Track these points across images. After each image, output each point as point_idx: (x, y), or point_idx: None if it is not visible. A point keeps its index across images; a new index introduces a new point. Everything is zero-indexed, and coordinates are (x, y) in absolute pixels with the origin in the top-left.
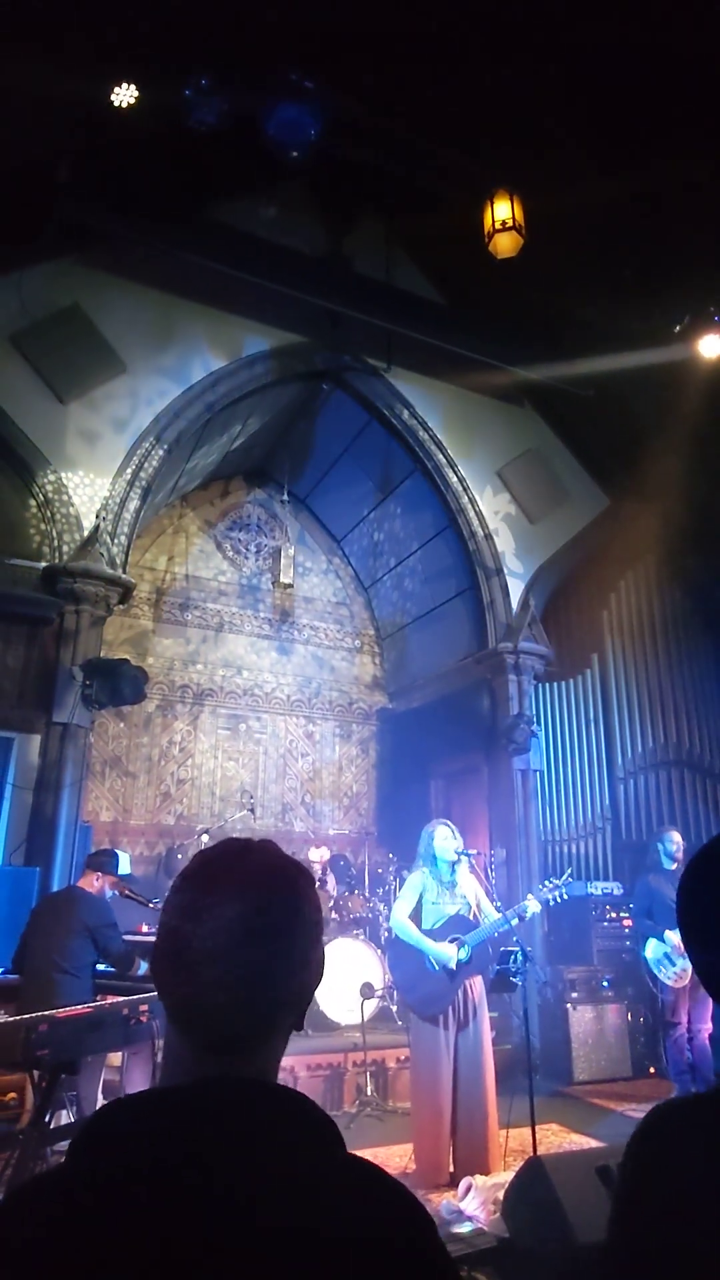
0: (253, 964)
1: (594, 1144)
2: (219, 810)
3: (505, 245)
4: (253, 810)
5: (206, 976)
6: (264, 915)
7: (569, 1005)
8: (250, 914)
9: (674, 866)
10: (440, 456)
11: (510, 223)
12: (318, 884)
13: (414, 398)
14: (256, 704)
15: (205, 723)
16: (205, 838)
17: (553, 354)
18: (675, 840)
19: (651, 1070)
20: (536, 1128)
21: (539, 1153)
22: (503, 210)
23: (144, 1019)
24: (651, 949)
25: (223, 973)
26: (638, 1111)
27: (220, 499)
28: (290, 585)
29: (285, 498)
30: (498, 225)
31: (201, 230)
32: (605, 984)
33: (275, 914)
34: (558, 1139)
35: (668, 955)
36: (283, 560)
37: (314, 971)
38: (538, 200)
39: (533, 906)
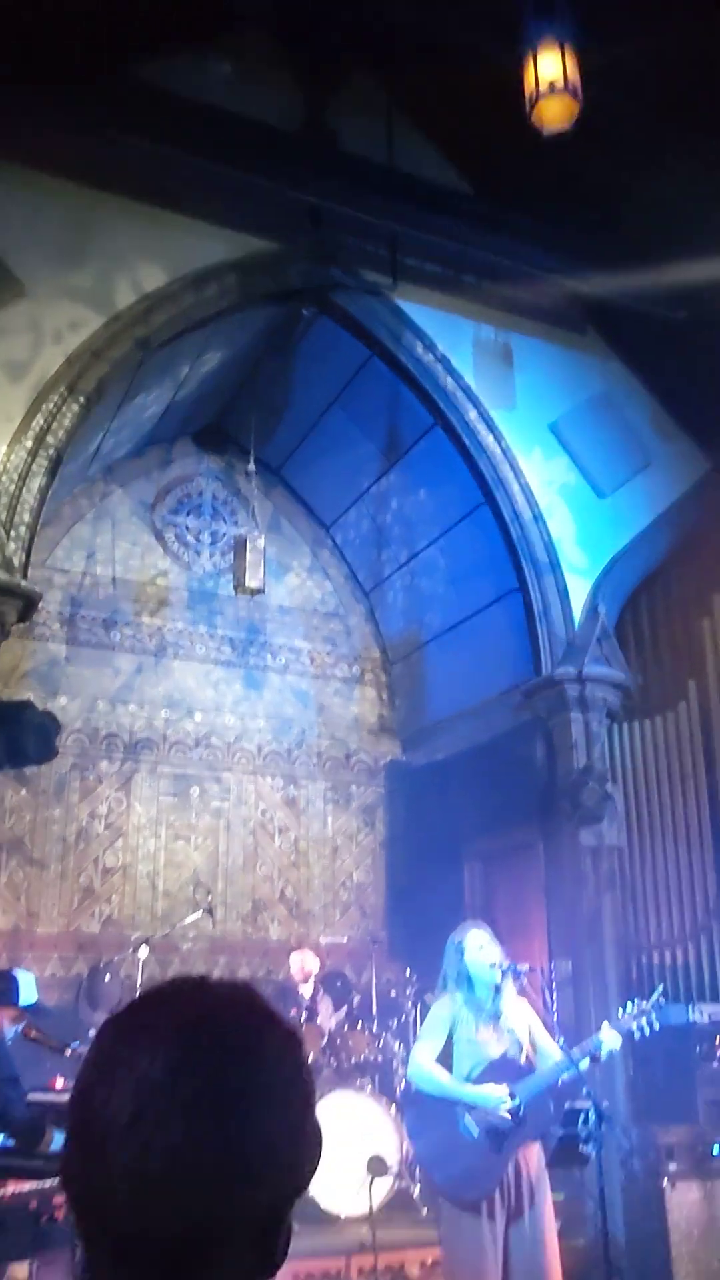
0: (179, 1149)
1: None
2: (163, 912)
3: (554, 113)
4: (211, 911)
5: (115, 1162)
6: (201, 1077)
7: (666, 1182)
8: (182, 1074)
9: None
10: (469, 406)
11: (561, 83)
12: (303, 1015)
13: (430, 325)
14: (215, 759)
15: (142, 787)
16: (144, 951)
17: (626, 259)
18: None
19: None
20: None
21: None
22: (549, 67)
23: (59, 1215)
24: None
25: (135, 1157)
26: None
27: (160, 471)
28: (260, 590)
29: (252, 468)
30: (543, 88)
31: (128, 97)
32: (716, 1152)
33: (221, 1077)
34: None
35: None
36: (249, 555)
37: (290, 1172)
38: (600, 51)
39: (610, 1042)
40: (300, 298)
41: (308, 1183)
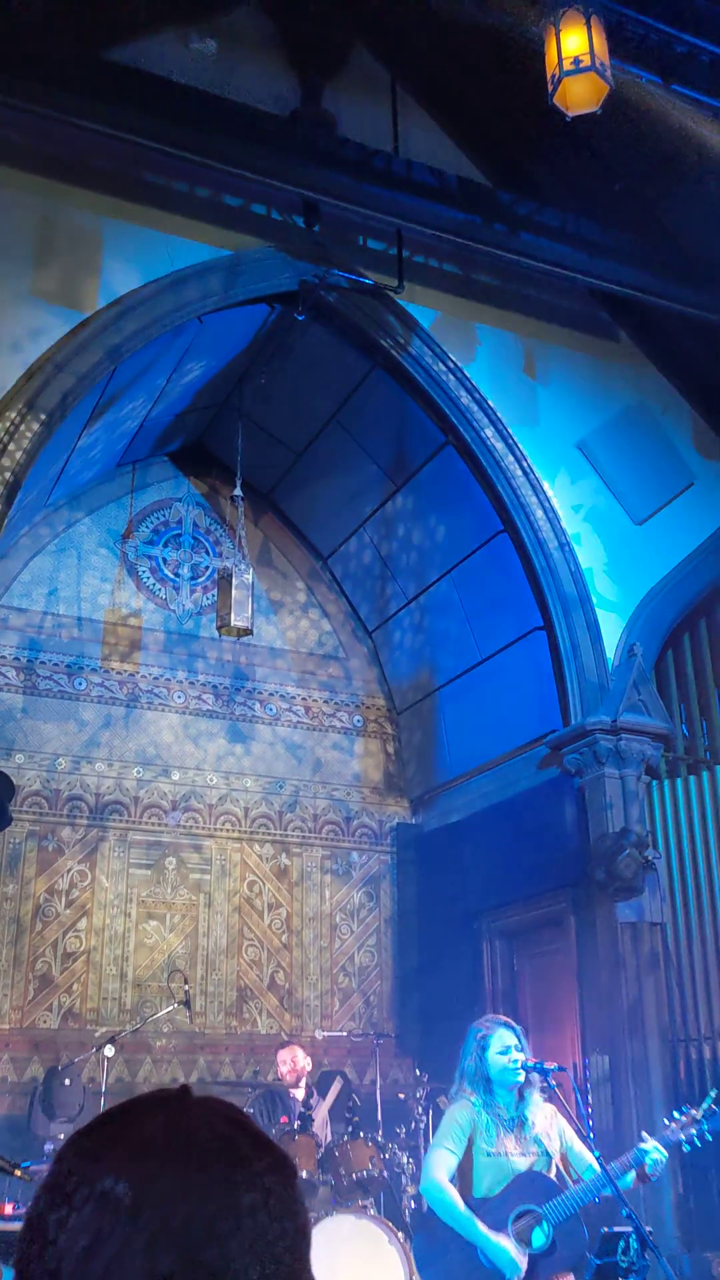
0: (149, 1278)
1: None
2: (133, 1004)
3: (579, 94)
4: (188, 1003)
5: None
6: (172, 1203)
7: None
8: (149, 1197)
9: None
10: (486, 423)
11: (587, 59)
12: (295, 1123)
13: (441, 332)
14: (195, 824)
15: (110, 858)
16: (110, 1050)
17: (663, 256)
18: None
19: None
20: None
21: None
22: (574, 42)
23: None
24: None
25: None
26: None
27: (131, 496)
28: (247, 631)
29: (238, 492)
30: (568, 65)
31: (102, 81)
32: None
33: (195, 1205)
34: None
35: None
36: (234, 592)
37: None
38: (633, 22)
39: (655, 1154)
40: (294, 301)
41: None
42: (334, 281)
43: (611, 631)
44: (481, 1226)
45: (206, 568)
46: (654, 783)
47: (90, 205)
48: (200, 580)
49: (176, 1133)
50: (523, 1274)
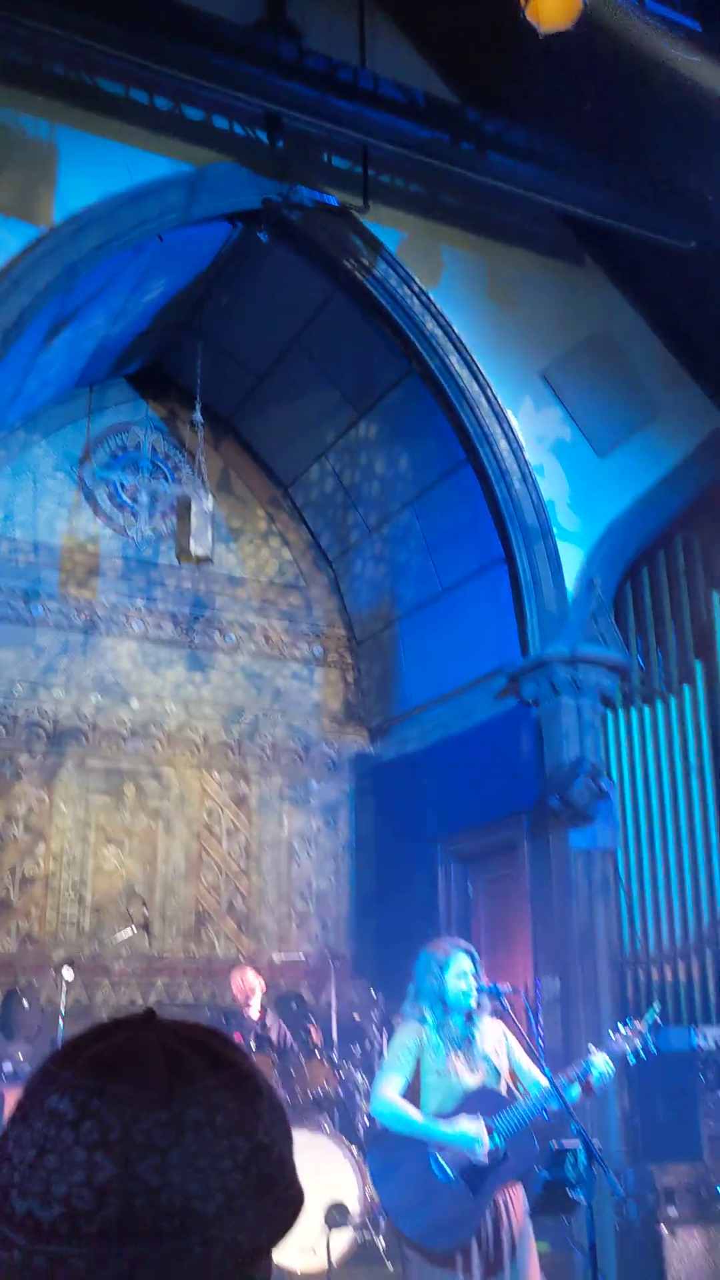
0: (80, 1195)
1: None
2: (91, 928)
3: (553, 10)
4: (147, 927)
5: (14, 1211)
6: (112, 1116)
7: (664, 1228)
8: (89, 1110)
9: None
10: (451, 349)
11: None
12: (253, 1042)
13: (407, 255)
14: (153, 752)
15: (69, 784)
16: (69, 973)
17: (632, 180)
18: None
19: None
20: None
21: None
22: None
23: None
24: None
25: (34, 1204)
26: None
27: (89, 419)
28: (207, 558)
29: (198, 417)
30: None
31: None
32: None
33: (135, 1118)
34: None
35: None
36: (194, 518)
37: (227, 1233)
38: None
39: (601, 1065)
40: (256, 220)
41: (263, 1246)
42: (298, 200)
43: (572, 564)
44: (436, 1123)
45: (165, 494)
46: (609, 713)
47: (45, 113)
48: (159, 506)
49: (126, 1052)
50: (486, 1144)
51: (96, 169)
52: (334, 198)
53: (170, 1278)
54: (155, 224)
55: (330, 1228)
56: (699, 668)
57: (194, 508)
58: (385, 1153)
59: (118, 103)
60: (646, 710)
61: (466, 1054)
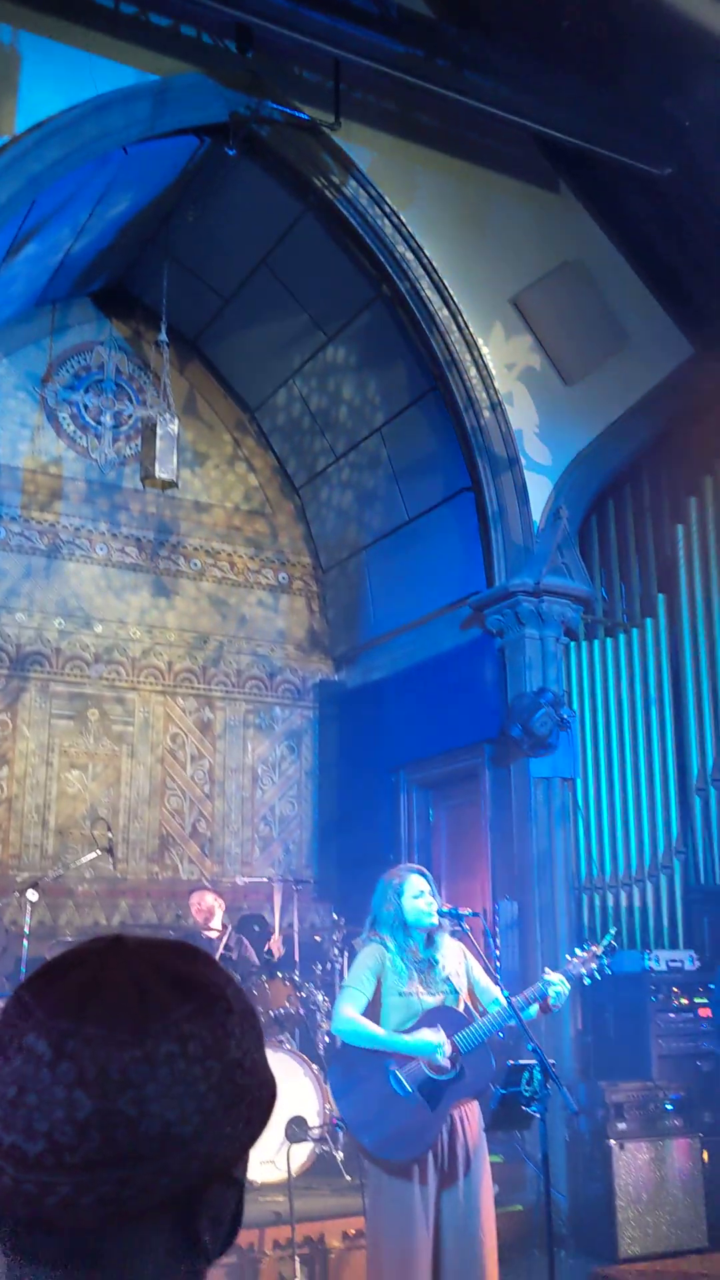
0: (62, 1130)
1: None
2: (55, 850)
3: None
4: (111, 850)
5: (13, 1153)
6: (87, 1053)
7: (613, 1142)
8: (65, 1049)
9: None
10: (422, 272)
11: None
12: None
13: (378, 174)
14: (117, 677)
15: (32, 708)
16: (33, 894)
17: (607, 104)
18: None
19: None
20: None
21: None
22: None
23: None
24: None
25: (18, 1139)
26: None
27: (51, 338)
28: (172, 483)
29: (163, 337)
30: None
31: None
32: (670, 1107)
33: (109, 1052)
34: None
35: None
36: (159, 441)
37: (202, 1154)
38: None
39: (558, 986)
40: (224, 134)
41: (233, 1164)
42: (267, 114)
43: (539, 494)
44: (396, 1035)
45: (129, 416)
46: (572, 644)
47: (8, 17)
48: (123, 429)
49: (95, 988)
50: (448, 1050)
51: (60, 77)
52: (304, 113)
53: (154, 1194)
54: (120, 135)
55: (290, 1142)
56: (661, 601)
57: (159, 431)
58: (345, 1069)
59: (83, 8)
60: (609, 642)
61: (427, 976)
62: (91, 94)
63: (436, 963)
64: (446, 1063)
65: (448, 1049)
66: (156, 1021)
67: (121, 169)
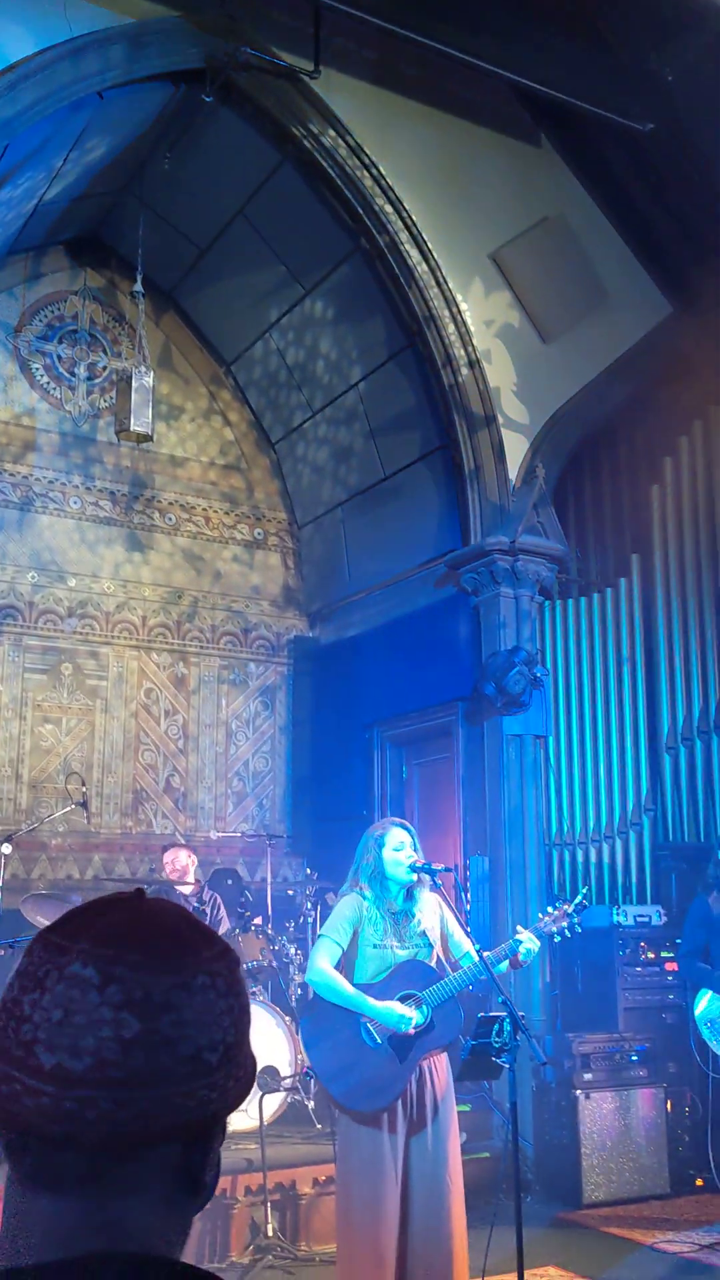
0: (107, 1048)
1: None
2: (28, 805)
3: None
4: (85, 804)
5: (42, 1064)
6: (131, 979)
7: (579, 1092)
8: (112, 975)
9: None
10: (401, 226)
11: None
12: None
13: (358, 124)
14: (91, 631)
15: (4, 662)
16: (6, 848)
17: (590, 58)
18: None
19: (700, 1182)
20: (526, 1274)
21: None
22: None
23: None
24: (705, 1005)
25: (63, 1058)
26: (677, 1245)
27: (24, 286)
28: (147, 436)
29: (138, 288)
30: None
31: None
32: (635, 1058)
33: (152, 981)
34: None
35: None
36: (134, 394)
37: (218, 1088)
38: None
39: (528, 943)
40: (201, 80)
41: (234, 1104)
42: (245, 60)
43: (515, 452)
44: (367, 999)
45: (104, 368)
46: (546, 603)
47: None
48: (97, 381)
49: (135, 925)
50: (412, 1025)
51: (32, 17)
52: (284, 60)
53: (179, 1116)
54: (95, 80)
55: (263, 1091)
56: (635, 562)
57: (134, 383)
58: (317, 1019)
59: None
60: (583, 602)
61: (403, 929)
62: (66, 35)
63: (413, 916)
64: (413, 1030)
65: (413, 1026)
66: (190, 957)
67: (98, 113)
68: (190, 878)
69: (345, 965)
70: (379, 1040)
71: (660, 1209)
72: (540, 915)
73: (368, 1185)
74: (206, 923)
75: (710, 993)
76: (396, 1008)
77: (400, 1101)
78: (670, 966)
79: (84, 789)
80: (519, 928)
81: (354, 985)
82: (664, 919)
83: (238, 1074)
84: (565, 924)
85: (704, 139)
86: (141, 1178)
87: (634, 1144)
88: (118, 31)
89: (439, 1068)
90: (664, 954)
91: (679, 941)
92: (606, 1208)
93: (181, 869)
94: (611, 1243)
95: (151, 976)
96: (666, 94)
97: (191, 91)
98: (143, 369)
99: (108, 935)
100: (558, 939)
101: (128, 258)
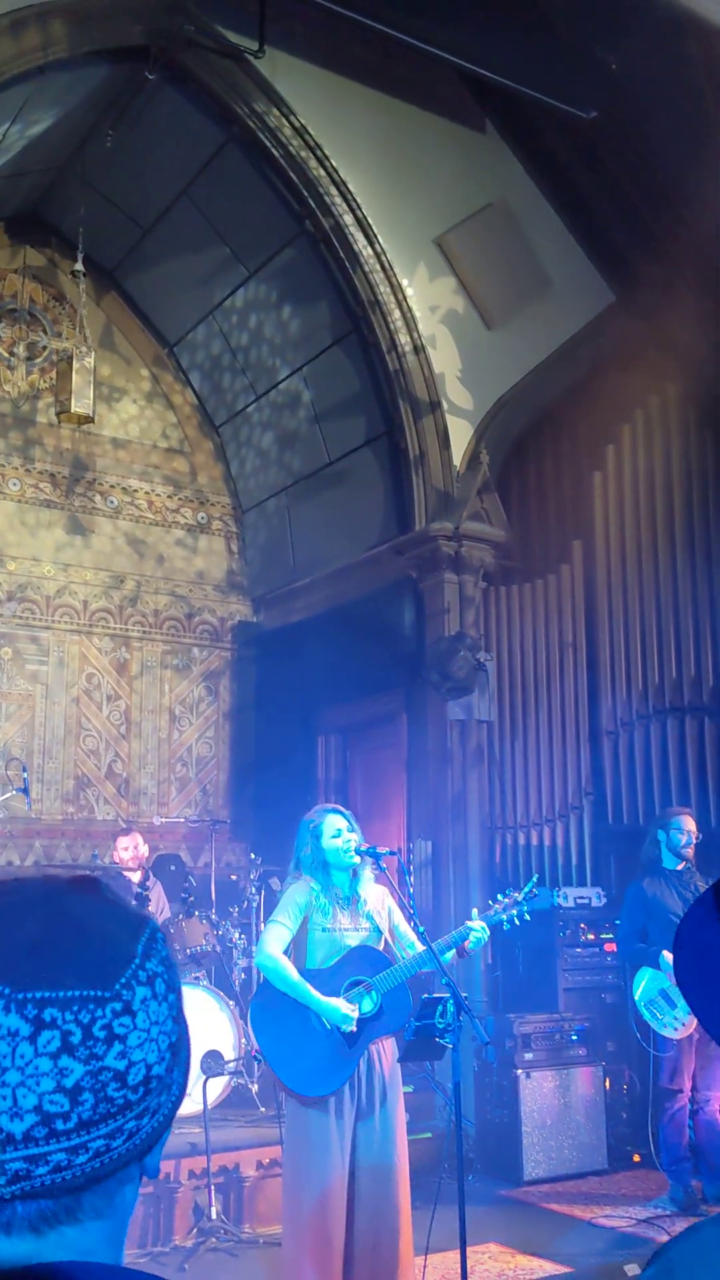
0: (58, 1091)
1: (551, 1269)
2: None
3: None
4: (26, 790)
5: None
6: (48, 1031)
7: (520, 1071)
8: (38, 1029)
9: (681, 866)
10: (346, 209)
11: None
12: (134, 902)
13: (303, 106)
14: (31, 616)
15: None
16: None
17: (535, 43)
18: (686, 827)
19: (637, 1158)
20: (469, 1251)
21: None
22: None
23: None
24: (644, 985)
25: (6, 1113)
26: (615, 1220)
27: None
28: (89, 418)
29: (79, 267)
30: None
31: None
32: (575, 1038)
33: (100, 1023)
34: (499, 1265)
35: (665, 993)
36: (75, 375)
37: (180, 1085)
38: None
39: (478, 932)
40: (145, 57)
41: (184, 1093)
42: (189, 38)
43: (460, 438)
44: (313, 991)
45: (44, 348)
46: (490, 589)
47: None
48: (38, 362)
49: (48, 946)
50: (354, 1024)
51: None
52: (228, 38)
53: (139, 1135)
54: (36, 55)
55: (206, 1075)
56: (577, 548)
57: (75, 364)
58: (267, 1004)
59: None
60: (525, 587)
61: (352, 912)
62: (7, 8)
63: (360, 899)
64: (355, 1026)
65: (355, 1019)
66: (125, 965)
67: (39, 88)
68: (145, 864)
69: (295, 950)
70: (329, 1026)
71: (599, 1185)
72: (491, 903)
73: (315, 1168)
74: (151, 909)
75: (648, 971)
76: (341, 1005)
77: (349, 1086)
78: (610, 948)
79: (24, 775)
80: (475, 912)
81: (305, 970)
82: (604, 901)
83: (183, 1062)
84: (515, 912)
85: (647, 128)
86: (108, 1196)
87: (573, 1122)
88: (59, 6)
89: (386, 1050)
90: (604, 935)
91: (618, 923)
92: (547, 1184)
93: (140, 857)
94: (552, 1219)
95: (89, 1010)
96: (611, 82)
97: (135, 69)
98: (84, 349)
99: (24, 971)
100: (507, 928)
101: (69, 236)
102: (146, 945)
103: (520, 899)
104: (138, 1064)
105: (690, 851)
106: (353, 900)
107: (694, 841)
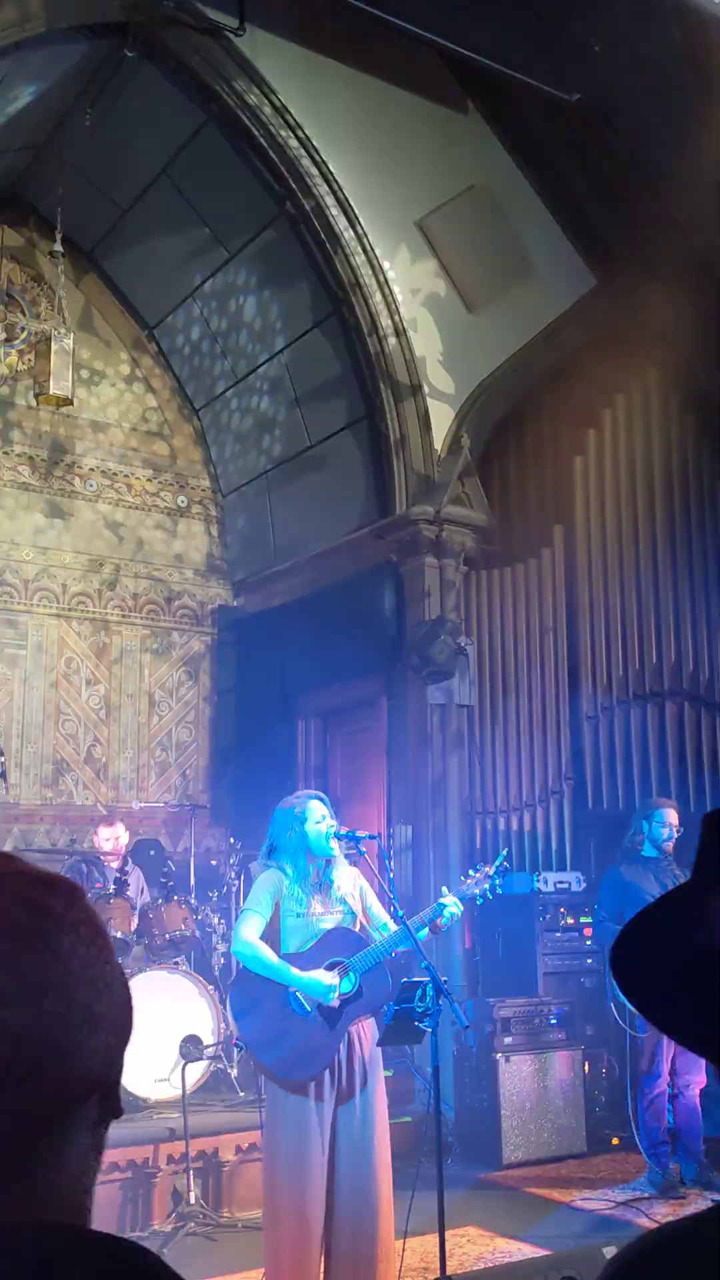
0: (11, 1055)
1: (530, 1252)
2: None
3: None
4: (3, 775)
5: None
6: (3, 985)
7: (499, 1055)
8: None
9: (659, 854)
10: (327, 190)
11: None
12: (111, 886)
13: (284, 85)
14: (10, 599)
15: None
16: None
17: (518, 23)
18: (669, 820)
19: (615, 1141)
20: (448, 1234)
21: (450, 1271)
22: None
23: None
24: None
25: None
26: (594, 1203)
27: None
28: (68, 401)
29: (58, 247)
30: None
31: None
32: (554, 1021)
33: (11, 978)
34: (478, 1248)
35: None
36: (54, 357)
37: (121, 1022)
38: None
39: (452, 907)
40: (124, 34)
41: (129, 1028)
42: (168, 15)
43: (441, 422)
44: (293, 970)
45: (23, 330)
46: (470, 573)
47: None
48: (16, 343)
49: None
50: (337, 996)
51: None
52: (208, 15)
53: (90, 1073)
54: (12, 32)
55: (185, 1060)
56: (558, 533)
57: (54, 346)
58: (246, 990)
59: None
60: (506, 571)
61: (325, 897)
62: None
63: (333, 883)
64: (338, 1001)
65: (338, 992)
66: (48, 920)
67: (17, 63)
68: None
69: (270, 937)
70: (309, 1008)
71: (578, 1168)
72: (463, 878)
73: (295, 1152)
74: (130, 893)
75: None
76: (322, 977)
77: (329, 1069)
78: (589, 932)
79: (2, 759)
80: (445, 890)
81: (282, 956)
82: (584, 885)
83: (123, 998)
84: (487, 886)
85: (630, 111)
86: (59, 1148)
87: (552, 1105)
88: None
89: (366, 1033)
90: (583, 920)
91: (597, 906)
92: (526, 1168)
93: (123, 847)
94: (531, 1202)
95: (18, 963)
96: (593, 64)
97: (114, 46)
98: (62, 331)
99: None
100: (480, 902)
101: (47, 216)
102: (68, 901)
103: (491, 873)
104: (76, 1004)
105: (670, 846)
106: (325, 886)
107: (675, 836)
